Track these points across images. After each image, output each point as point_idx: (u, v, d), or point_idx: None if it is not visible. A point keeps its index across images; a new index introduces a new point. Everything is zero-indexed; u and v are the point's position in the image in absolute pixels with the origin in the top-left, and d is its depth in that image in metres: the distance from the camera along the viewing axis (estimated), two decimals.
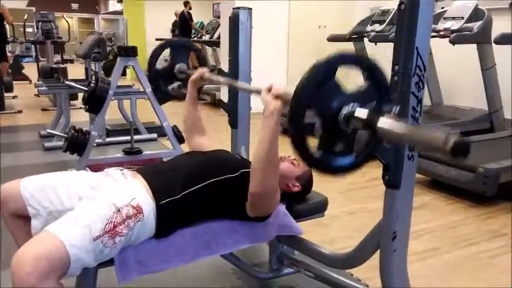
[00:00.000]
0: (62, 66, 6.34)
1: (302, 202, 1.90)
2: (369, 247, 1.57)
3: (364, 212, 2.93)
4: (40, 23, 7.68)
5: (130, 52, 3.59)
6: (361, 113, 1.08)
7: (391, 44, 1.36)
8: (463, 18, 4.29)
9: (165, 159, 2.94)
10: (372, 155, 1.22)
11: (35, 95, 7.78)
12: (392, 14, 5.05)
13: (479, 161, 3.24)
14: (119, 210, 1.37)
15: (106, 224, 1.33)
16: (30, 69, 10.05)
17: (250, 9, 2.28)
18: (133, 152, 3.84)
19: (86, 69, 5.26)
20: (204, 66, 2.18)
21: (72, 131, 3.43)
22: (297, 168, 1.79)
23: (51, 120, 5.17)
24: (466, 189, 3.24)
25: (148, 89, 3.39)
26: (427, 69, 1.33)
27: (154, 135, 4.95)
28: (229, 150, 2.13)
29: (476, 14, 4.28)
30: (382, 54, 1.76)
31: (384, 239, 1.48)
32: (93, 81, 3.35)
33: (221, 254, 1.71)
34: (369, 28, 5.32)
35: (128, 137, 4.00)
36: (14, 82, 8.11)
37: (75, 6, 19.88)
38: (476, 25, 4.18)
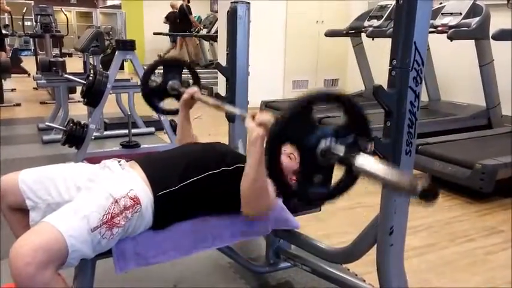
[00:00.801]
0: (60, 59, 6.31)
1: None
2: (365, 242, 1.58)
3: (361, 207, 2.94)
4: (39, 17, 7.63)
5: (128, 46, 3.60)
6: (338, 149, 1.08)
7: (389, 40, 1.37)
8: (461, 13, 4.28)
9: None
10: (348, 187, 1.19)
11: (33, 88, 7.77)
12: (390, 9, 5.05)
13: (476, 157, 3.24)
14: (116, 201, 1.37)
15: (103, 215, 1.33)
16: (29, 63, 10.01)
17: (248, 3, 2.28)
18: (131, 145, 3.86)
19: (84, 63, 5.24)
20: (197, 84, 2.15)
21: (71, 124, 3.44)
22: (294, 162, 1.80)
23: (49, 113, 5.16)
24: (463, 186, 3.24)
25: None
26: (425, 64, 1.34)
27: (152, 129, 4.95)
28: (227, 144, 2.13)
29: (474, 9, 4.27)
30: (380, 49, 1.77)
31: (380, 233, 1.49)
32: (91, 75, 3.36)
33: (218, 247, 1.72)
34: (366, 23, 5.31)
35: (126, 131, 4.01)
36: (13, 75, 8.09)
37: (73, 0, 19.80)
38: (474, 21, 4.18)
